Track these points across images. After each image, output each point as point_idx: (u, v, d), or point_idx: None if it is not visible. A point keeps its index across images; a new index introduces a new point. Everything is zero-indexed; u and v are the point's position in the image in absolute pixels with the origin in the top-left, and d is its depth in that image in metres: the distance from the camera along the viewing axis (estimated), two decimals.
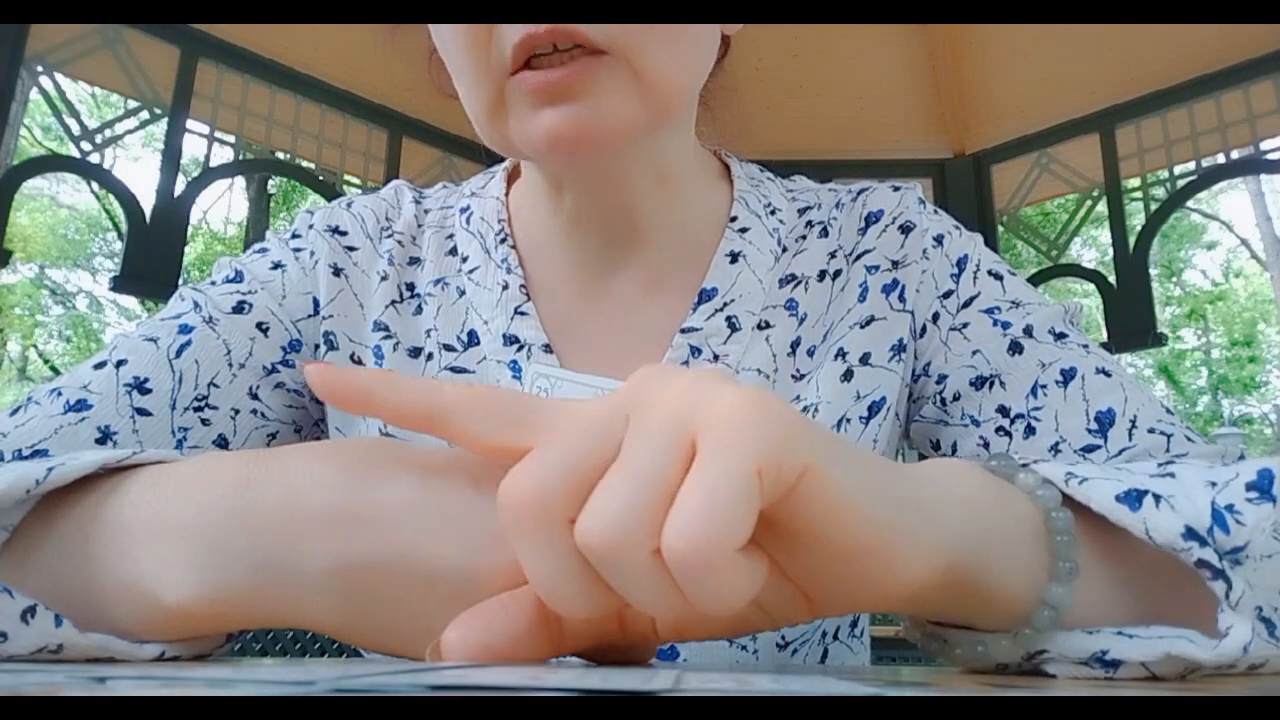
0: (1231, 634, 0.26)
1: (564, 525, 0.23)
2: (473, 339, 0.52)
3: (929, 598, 0.27)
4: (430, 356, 0.52)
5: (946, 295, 0.51)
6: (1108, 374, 0.45)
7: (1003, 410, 0.47)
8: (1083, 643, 0.28)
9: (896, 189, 0.55)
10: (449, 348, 0.52)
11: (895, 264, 0.52)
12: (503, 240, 0.54)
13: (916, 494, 0.26)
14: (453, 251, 0.55)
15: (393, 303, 0.53)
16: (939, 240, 0.53)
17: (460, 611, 0.26)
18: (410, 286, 0.54)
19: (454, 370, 0.51)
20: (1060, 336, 0.47)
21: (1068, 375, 0.45)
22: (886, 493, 0.25)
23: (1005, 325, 0.48)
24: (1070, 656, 0.28)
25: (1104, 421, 0.43)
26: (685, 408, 0.23)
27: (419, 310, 0.53)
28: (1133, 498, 0.28)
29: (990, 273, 0.51)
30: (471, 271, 0.53)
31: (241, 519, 0.28)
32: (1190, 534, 0.26)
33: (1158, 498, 0.27)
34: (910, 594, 0.26)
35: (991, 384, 0.47)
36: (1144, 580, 0.30)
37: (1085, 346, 0.47)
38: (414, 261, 0.55)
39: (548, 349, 0.50)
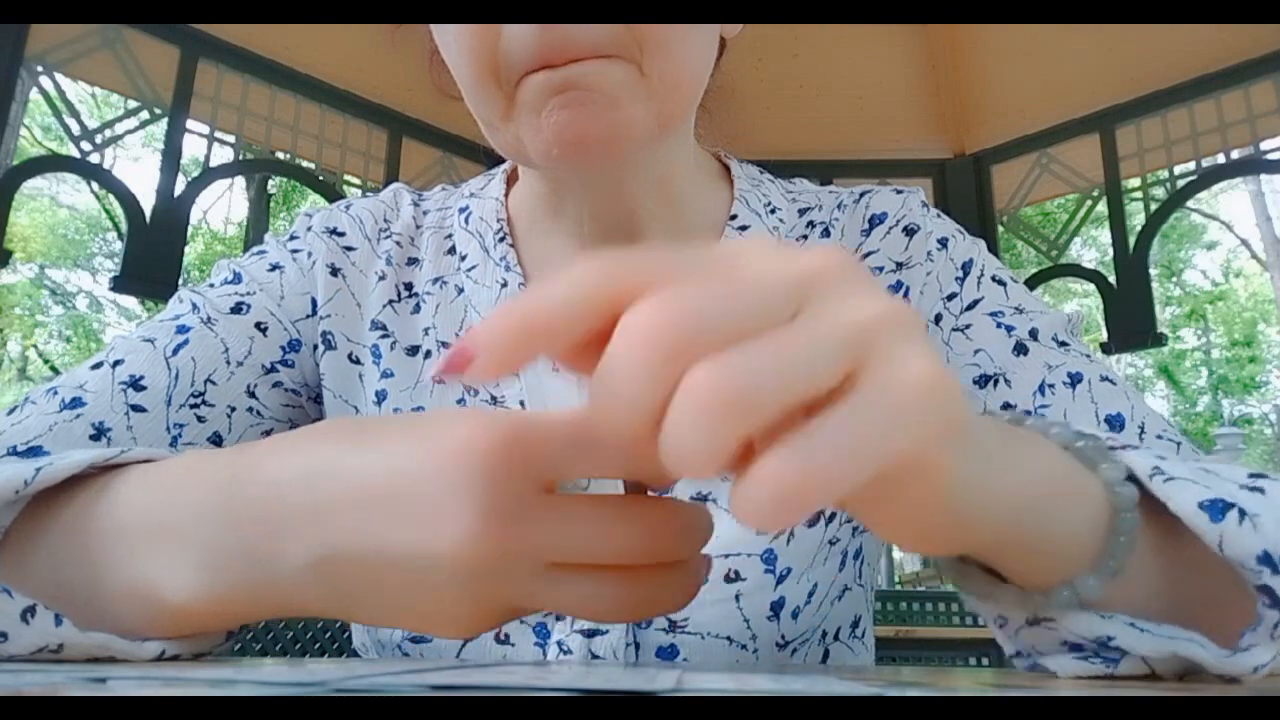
0: (1251, 652, 0.26)
1: (681, 357, 0.19)
2: None
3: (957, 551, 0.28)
4: (429, 354, 0.52)
5: (950, 297, 0.51)
6: (1112, 382, 0.45)
7: (1008, 408, 0.46)
8: (1093, 624, 0.28)
9: (899, 192, 0.55)
10: (447, 345, 0.52)
11: (899, 265, 0.52)
12: (501, 239, 0.54)
13: (998, 480, 0.26)
14: (451, 251, 0.55)
15: (390, 302, 0.53)
16: (943, 243, 0.53)
17: (435, 590, 0.26)
18: (408, 286, 0.54)
19: None
20: (1063, 344, 0.47)
21: (1074, 378, 0.45)
22: (980, 486, 0.24)
23: (1009, 329, 0.48)
24: (1077, 633, 0.28)
25: (1114, 424, 0.43)
26: (872, 342, 0.21)
27: (417, 309, 0.53)
28: (1217, 508, 0.27)
29: (994, 278, 0.51)
30: (470, 270, 0.53)
31: (227, 519, 0.28)
32: (1265, 558, 0.26)
33: (1243, 513, 0.27)
34: (941, 551, 0.27)
35: (996, 382, 0.47)
36: (1185, 577, 0.29)
37: (1088, 356, 0.47)
38: (412, 262, 0.55)
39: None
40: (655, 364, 0.20)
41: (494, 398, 0.50)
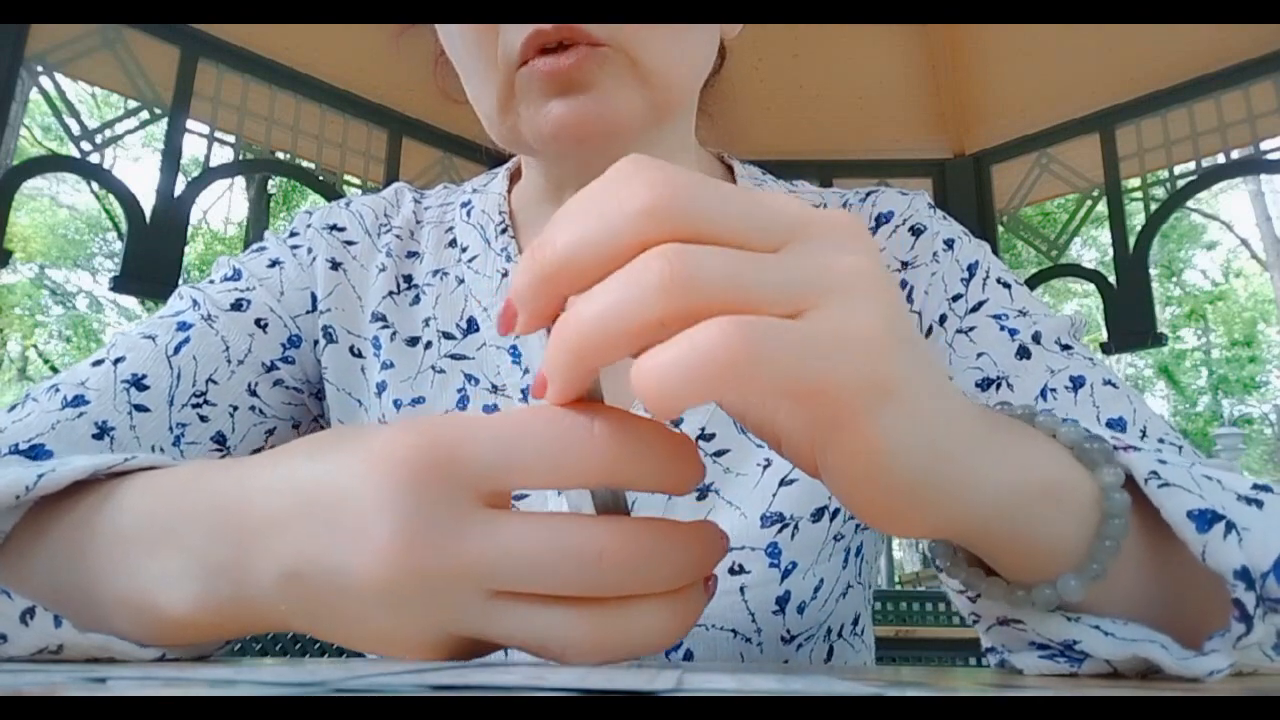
0: (1210, 657, 0.26)
1: (662, 237, 0.22)
2: (472, 326, 0.52)
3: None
4: (429, 345, 0.52)
5: (955, 299, 0.51)
6: (1114, 386, 0.46)
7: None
8: (1060, 628, 0.29)
9: (905, 194, 0.56)
10: (448, 335, 0.52)
11: (905, 265, 0.52)
12: (503, 230, 0.54)
13: (982, 471, 0.25)
14: (452, 243, 0.56)
15: (390, 294, 0.53)
16: (950, 244, 0.53)
17: (371, 612, 0.24)
18: (408, 278, 0.55)
19: (454, 357, 0.51)
20: (1066, 348, 0.47)
21: (1077, 382, 0.45)
22: (956, 473, 0.24)
23: (1013, 332, 0.48)
24: (1044, 635, 0.29)
25: (1115, 427, 0.43)
26: (831, 286, 0.22)
27: (416, 300, 0.54)
28: (1205, 519, 0.27)
29: (999, 281, 0.51)
30: (471, 260, 0.54)
31: (216, 532, 0.28)
32: (1243, 574, 0.26)
33: (1231, 526, 0.27)
34: (917, 533, 0.27)
35: (999, 385, 0.47)
36: (1171, 576, 0.30)
37: (1090, 359, 0.47)
38: (412, 255, 0.56)
39: (548, 333, 0.50)
40: (634, 230, 0.21)
41: (494, 386, 0.50)
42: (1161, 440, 0.43)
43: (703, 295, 0.20)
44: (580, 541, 0.23)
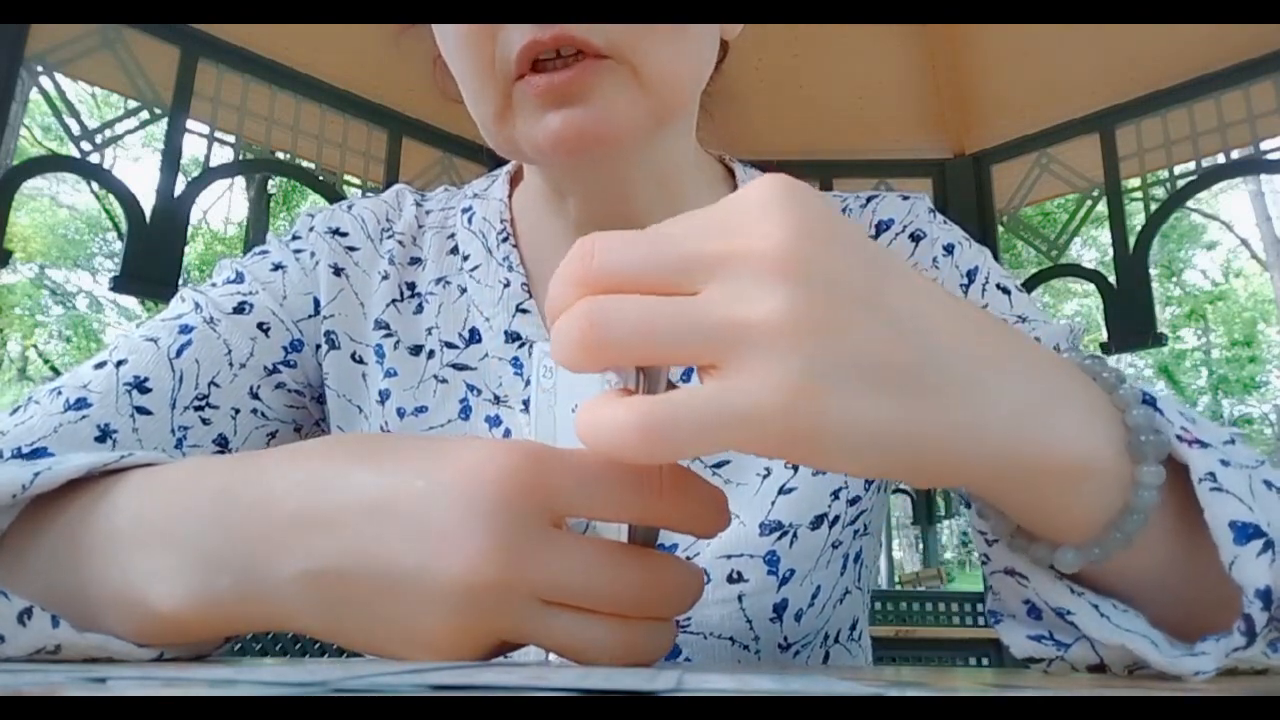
0: (1199, 659, 0.26)
1: (583, 288, 0.25)
2: (474, 336, 0.52)
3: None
4: (431, 354, 0.52)
5: None
6: None
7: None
8: (1061, 595, 0.29)
9: (906, 199, 0.55)
10: (450, 345, 0.52)
11: None
12: (504, 239, 0.54)
13: (984, 449, 0.25)
14: (454, 250, 0.55)
15: (393, 301, 0.53)
16: (949, 249, 0.53)
17: (429, 611, 0.26)
18: (411, 286, 0.54)
19: (456, 367, 0.51)
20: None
21: None
22: (970, 431, 0.24)
23: None
24: (1042, 596, 0.29)
25: None
26: (739, 344, 0.23)
27: (420, 309, 0.53)
28: (1246, 532, 0.26)
29: (999, 286, 0.51)
30: (473, 270, 0.53)
31: (222, 526, 0.28)
32: (1264, 594, 0.26)
33: (1269, 545, 0.26)
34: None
35: None
36: (1186, 568, 0.29)
37: None
38: (415, 261, 0.55)
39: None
40: (568, 284, 0.25)
41: (496, 397, 0.50)
42: None
43: (616, 348, 0.23)
44: (630, 569, 0.28)
